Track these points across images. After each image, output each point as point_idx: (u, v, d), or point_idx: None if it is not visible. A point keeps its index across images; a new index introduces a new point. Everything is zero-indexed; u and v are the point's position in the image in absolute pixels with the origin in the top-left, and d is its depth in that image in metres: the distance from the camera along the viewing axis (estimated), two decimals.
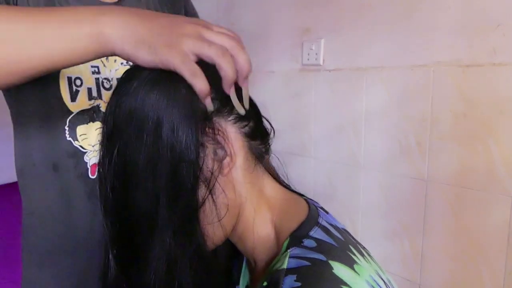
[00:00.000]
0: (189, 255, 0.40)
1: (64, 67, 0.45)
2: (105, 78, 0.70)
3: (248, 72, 0.41)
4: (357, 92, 1.22)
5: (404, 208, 1.14)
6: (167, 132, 0.38)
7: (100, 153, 0.43)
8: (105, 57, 0.69)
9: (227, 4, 1.64)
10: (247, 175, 0.45)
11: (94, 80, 0.69)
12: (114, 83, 0.72)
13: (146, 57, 0.39)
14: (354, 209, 1.26)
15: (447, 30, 1.01)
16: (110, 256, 0.43)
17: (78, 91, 0.68)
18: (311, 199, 0.50)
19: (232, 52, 0.40)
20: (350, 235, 0.45)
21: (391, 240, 1.17)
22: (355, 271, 0.38)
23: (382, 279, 0.40)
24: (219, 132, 0.41)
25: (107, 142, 0.41)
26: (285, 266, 0.38)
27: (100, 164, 0.42)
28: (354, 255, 0.40)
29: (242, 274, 0.54)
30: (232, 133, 0.43)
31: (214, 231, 0.42)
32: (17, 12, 0.43)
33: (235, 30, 0.44)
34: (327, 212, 0.48)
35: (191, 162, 0.39)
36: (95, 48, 0.41)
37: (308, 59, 1.35)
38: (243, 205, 0.45)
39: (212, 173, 0.41)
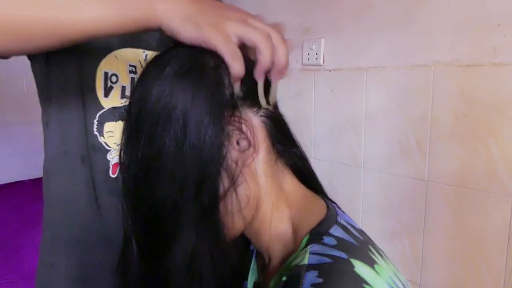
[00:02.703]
0: (210, 244, 0.40)
1: (109, 36, 0.46)
2: None
3: (284, 66, 0.42)
4: (357, 92, 1.22)
5: (404, 208, 1.14)
6: (193, 119, 0.39)
7: (123, 140, 0.43)
8: (144, 59, 0.69)
9: (227, 3, 1.64)
10: (268, 169, 0.45)
11: (129, 79, 0.69)
12: None
13: (189, 33, 0.41)
14: (354, 209, 1.26)
15: (447, 30, 1.01)
16: (134, 245, 0.43)
17: (112, 87, 0.68)
18: (328, 198, 0.50)
19: (274, 41, 0.41)
20: (367, 235, 0.44)
21: (391, 240, 1.17)
22: (375, 271, 0.37)
23: (400, 280, 0.40)
24: (244, 122, 0.41)
25: (134, 128, 0.41)
26: (305, 261, 0.38)
27: (124, 150, 0.42)
28: (374, 255, 0.40)
29: (250, 271, 0.53)
30: (256, 123, 0.43)
31: (233, 221, 0.42)
32: None
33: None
34: (343, 212, 0.48)
35: (215, 151, 0.39)
36: (143, 20, 0.43)
37: (308, 59, 1.34)
38: (262, 198, 0.45)
39: (235, 163, 0.41)
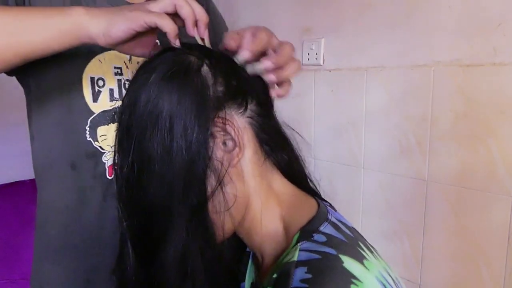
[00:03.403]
0: (200, 244, 0.41)
1: (48, 54, 0.52)
2: (127, 80, 0.71)
3: (206, 17, 0.48)
4: (357, 92, 1.22)
5: (404, 208, 1.14)
6: (179, 122, 0.40)
7: (115, 144, 0.44)
8: (128, 59, 0.70)
9: (227, 3, 1.64)
10: (256, 168, 0.45)
11: (116, 82, 0.70)
12: None
13: (119, 26, 0.47)
14: (354, 209, 1.26)
15: (447, 30, 1.01)
16: (129, 247, 0.44)
17: (100, 91, 0.68)
18: (320, 197, 0.51)
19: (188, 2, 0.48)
20: (358, 232, 0.45)
21: (391, 240, 1.17)
22: (365, 266, 0.38)
23: (390, 276, 0.40)
24: (229, 122, 0.42)
25: (125, 133, 0.43)
26: (295, 258, 0.38)
27: (116, 154, 0.44)
28: (364, 251, 0.40)
29: (247, 272, 0.54)
30: (241, 124, 0.44)
31: (222, 221, 0.43)
32: (5, 9, 0.51)
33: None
34: (335, 210, 0.48)
35: (200, 151, 0.40)
36: (74, 34, 0.49)
37: (308, 59, 1.34)
38: (251, 198, 0.45)
39: (221, 163, 0.42)
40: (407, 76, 1.10)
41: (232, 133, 0.42)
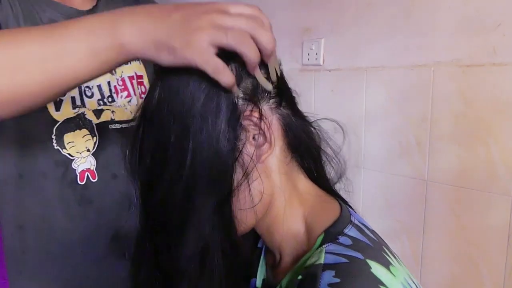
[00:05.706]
0: (221, 238, 0.41)
1: (88, 81, 0.44)
2: (86, 87, 0.70)
3: (273, 50, 0.40)
4: (357, 92, 1.22)
5: (404, 208, 1.14)
6: (211, 113, 0.39)
7: (137, 131, 0.43)
8: None
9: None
10: (282, 166, 0.45)
11: (77, 89, 0.69)
12: (95, 90, 0.72)
13: (167, 60, 0.39)
14: (354, 209, 1.26)
15: (447, 30, 1.01)
16: (147, 240, 0.43)
17: (62, 100, 0.68)
18: (342, 199, 0.51)
19: (252, 33, 0.39)
20: (380, 236, 0.45)
21: (391, 240, 1.17)
22: (391, 272, 0.37)
23: (414, 282, 0.40)
24: (262, 117, 0.41)
25: (148, 123, 0.42)
26: (322, 261, 0.38)
27: (138, 144, 0.43)
28: (388, 256, 0.40)
29: (259, 268, 0.53)
30: (273, 120, 0.43)
31: (246, 216, 0.43)
32: (29, 33, 0.42)
33: None
34: (355, 212, 0.49)
35: (230, 144, 0.39)
36: (118, 59, 0.41)
37: (308, 59, 1.34)
38: (275, 195, 0.45)
39: (250, 158, 0.41)
40: (407, 76, 1.10)
41: (265, 128, 0.41)
